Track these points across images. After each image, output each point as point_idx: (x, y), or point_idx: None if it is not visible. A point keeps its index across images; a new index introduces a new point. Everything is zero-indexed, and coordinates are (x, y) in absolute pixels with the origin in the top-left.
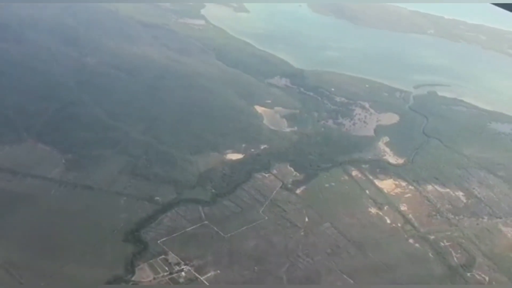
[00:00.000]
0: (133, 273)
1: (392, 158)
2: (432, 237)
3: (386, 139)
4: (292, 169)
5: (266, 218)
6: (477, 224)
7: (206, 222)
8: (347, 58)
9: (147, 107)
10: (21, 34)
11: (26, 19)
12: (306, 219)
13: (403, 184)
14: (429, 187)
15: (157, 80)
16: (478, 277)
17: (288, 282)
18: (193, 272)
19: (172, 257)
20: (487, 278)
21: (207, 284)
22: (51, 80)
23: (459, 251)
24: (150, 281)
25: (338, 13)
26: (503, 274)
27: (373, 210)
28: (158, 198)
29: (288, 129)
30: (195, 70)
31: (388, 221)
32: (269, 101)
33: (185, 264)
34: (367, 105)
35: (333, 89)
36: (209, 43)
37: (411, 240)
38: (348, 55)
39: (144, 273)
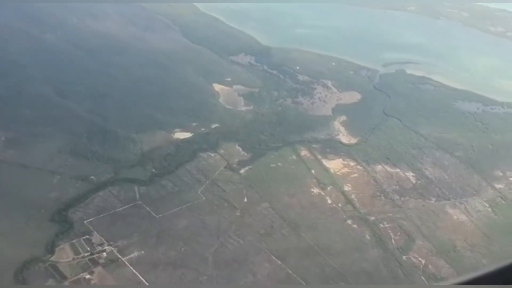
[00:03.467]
0: (52, 253)
1: (345, 138)
2: (372, 218)
3: (343, 118)
4: (240, 149)
5: (204, 198)
6: (423, 205)
7: (139, 202)
8: (318, 35)
9: (98, 84)
10: None
11: None
12: (245, 199)
13: (352, 164)
14: (379, 167)
15: (114, 57)
16: (414, 260)
17: (214, 263)
18: (116, 252)
19: (96, 238)
20: (423, 262)
21: (129, 265)
22: (5, 58)
23: (398, 233)
24: (69, 261)
25: None
26: (440, 258)
27: (315, 190)
28: (93, 177)
29: (243, 108)
30: (156, 47)
31: (329, 202)
32: (229, 79)
33: (109, 245)
34: (329, 84)
35: (298, 67)
36: (177, 19)
37: (349, 221)
38: (320, 33)
39: (64, 253)
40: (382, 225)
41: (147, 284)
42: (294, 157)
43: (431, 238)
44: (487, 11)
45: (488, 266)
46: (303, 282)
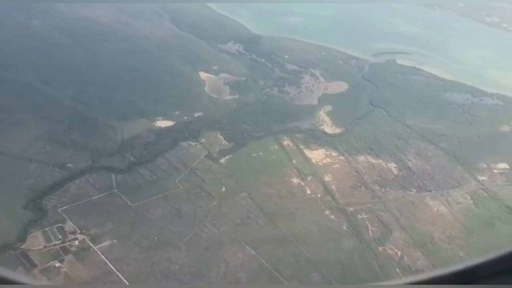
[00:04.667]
0: (24, 240)
1: (329, 128)
2: (350, 209)
3: (328, 108)
4: (222, 138)
5: (181, 187)
6: (403, 197)
7: (115, 190)
8: (310, 24)
9: (82, 71)
10: None
11: None
12: (223, 189)
13: (334, 154)
14: (361, 158)
15: (100, 44)
16: (390, 251)
17: (187, 252)
18: (88, 241)
19: (69, 226)
20: (399, 253)
21: (100, 254)
22: None
23: (376, 224)
24: (40, 249)
25: None
26: (417, 249)
27: (295, 180)
28: (70, 165)
29: (228, 97)
30: (143, 34)
31: (308, 192)
32: (216, 68)
33: (81, 233)
34: (317, 73)
35: (286, 56)
36: (167, 6)
37: (327, 212)
38: (312, 22)
39: (35, 241)
40: (360, 216)
41: (127, 284)
42: (276, 146)
43: (409, 230)
44: (483, 2)
45: (452, 265)
46: (275, 272)
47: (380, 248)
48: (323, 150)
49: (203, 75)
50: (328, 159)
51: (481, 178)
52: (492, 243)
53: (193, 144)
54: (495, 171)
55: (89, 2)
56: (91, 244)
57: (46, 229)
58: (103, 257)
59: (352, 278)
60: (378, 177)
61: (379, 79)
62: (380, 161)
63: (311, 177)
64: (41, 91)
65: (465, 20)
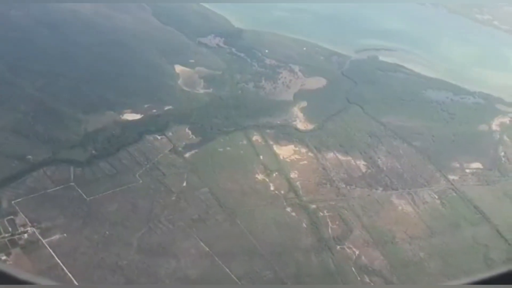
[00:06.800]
0: None
1: (301, 124)
2: (313, 206)
3: (303, 104)
4: (190, 132)
5: (141, 181)
6: (369, 195)
7: (72, 183)
8: (295, 19)
9: (55, 62)
10: None
11: None
12: (184, 184)
13: (303, 150)
14: (330, 155)
15: (77, 35)
16: (348, 250)
17: (138, 248)
18: (37, 234)
19: (20, 218)
20: (357, 252)
21: (48, 247)
22: None
23: (337, 222)
24: None
25: None
26: (376, 249)
27: (260, 176)
28: (30, 157)
29: (202, 91)
30: (122, 27)
31: (272, 188)
32: (193, 61)
33: (32, 226)
34: (296, 69)
35: (267, 51)
36: None
37: (288, 209)
38: (297, 16)
39: None
40: (321, 214)
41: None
42: (244, 142)
43: (370, 229)
44: None
45: (498, 268)
46: (227, 270)
47: (338, 247)
48: (292, 146)
49: (178, 68)
50: (296, 156)
51: (452, 177)
52: (455, 244)
53: (159, 137)
54: (467, 170)
55: None
56: (40, 238)
57: None
58: (50, 250)
59: (306, 278)
60: (345, 175)
61: (358, 76)
62: (349, 158)
63: (276, 173)
64: (10, 82)
65: (455, 17)
